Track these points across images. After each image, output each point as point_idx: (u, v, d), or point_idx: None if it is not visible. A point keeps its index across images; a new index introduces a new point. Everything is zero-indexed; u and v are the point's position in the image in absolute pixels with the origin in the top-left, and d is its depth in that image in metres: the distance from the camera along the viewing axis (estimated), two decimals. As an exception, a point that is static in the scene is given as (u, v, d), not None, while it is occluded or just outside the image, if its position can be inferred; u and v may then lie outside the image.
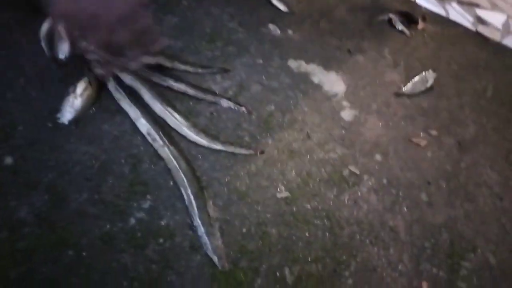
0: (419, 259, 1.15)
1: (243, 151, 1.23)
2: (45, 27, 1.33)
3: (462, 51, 1.80)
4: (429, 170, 1.35)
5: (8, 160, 1.07)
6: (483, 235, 1.23)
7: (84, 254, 0.97)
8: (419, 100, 1.56)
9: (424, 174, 1.33)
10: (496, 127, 1.54)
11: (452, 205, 1.28)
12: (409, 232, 1.20)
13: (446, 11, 1.97)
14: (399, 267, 1.13)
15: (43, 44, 1.31)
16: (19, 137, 1.12)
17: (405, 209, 1.24)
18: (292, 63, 1.49)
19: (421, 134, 1.44)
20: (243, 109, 1.32)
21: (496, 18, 1.90)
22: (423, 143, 1.42)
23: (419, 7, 2.00)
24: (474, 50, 1.83)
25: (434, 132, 1.46)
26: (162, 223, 1.06)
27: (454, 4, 1.92)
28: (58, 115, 1.16)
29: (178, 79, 1.33)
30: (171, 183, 1.13)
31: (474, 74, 1.71)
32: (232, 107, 1.32)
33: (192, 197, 1.10)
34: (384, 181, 1.29)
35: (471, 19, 1.93)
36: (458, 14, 1.94)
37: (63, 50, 1.30)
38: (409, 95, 1.54)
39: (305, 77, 1.47)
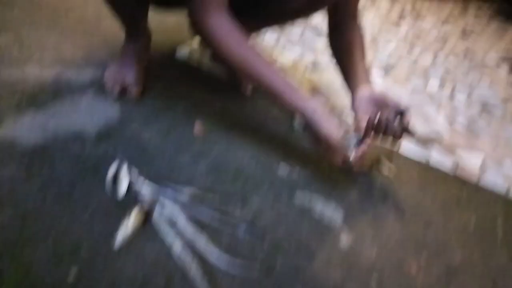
0: None
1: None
2: (111, 172, 1.79)
3: (444, 190, 2.14)
4: (421, 293, 1.53)
5: (74, 269, 1.38)
6: None
7: None
8: (408, 228, 1.82)
9: (416, 296, 1.51)
10: (480, 257, 1.75)
11: (444, 325, 1.42)
12: None
13: (427, 159, 2.39)
14: None
15: (107, 187, 1.75)
16: (83, 252, 1.44)
17: (400, 326, 1.39)
18: (299, 193, 1.86)
19: (412, 259, 1.67)
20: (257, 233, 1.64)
21: (472, 163, 2.32)
22: (413, 270, 1.63)
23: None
24: (455, 189, 2.17)
25: (423, 259, 1.68)
26: (187, 326, 1.27)
27: (433, 152, 2.37)
28: (114, 239, 1.51)
29: (206, 210, 1.70)
30: (196, 293, 1.38)
31: (456, 210, 2.00)
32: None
33: (213, 306, 1.33)
34: (380, 300, 1.47)
35: (450, 165, 2.34)
36: (437, 161, 2.36)
37: (122, 190, 1.73)
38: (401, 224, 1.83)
39: (308, 206, 1.81)
